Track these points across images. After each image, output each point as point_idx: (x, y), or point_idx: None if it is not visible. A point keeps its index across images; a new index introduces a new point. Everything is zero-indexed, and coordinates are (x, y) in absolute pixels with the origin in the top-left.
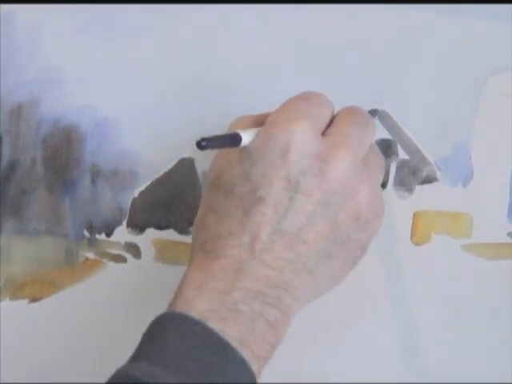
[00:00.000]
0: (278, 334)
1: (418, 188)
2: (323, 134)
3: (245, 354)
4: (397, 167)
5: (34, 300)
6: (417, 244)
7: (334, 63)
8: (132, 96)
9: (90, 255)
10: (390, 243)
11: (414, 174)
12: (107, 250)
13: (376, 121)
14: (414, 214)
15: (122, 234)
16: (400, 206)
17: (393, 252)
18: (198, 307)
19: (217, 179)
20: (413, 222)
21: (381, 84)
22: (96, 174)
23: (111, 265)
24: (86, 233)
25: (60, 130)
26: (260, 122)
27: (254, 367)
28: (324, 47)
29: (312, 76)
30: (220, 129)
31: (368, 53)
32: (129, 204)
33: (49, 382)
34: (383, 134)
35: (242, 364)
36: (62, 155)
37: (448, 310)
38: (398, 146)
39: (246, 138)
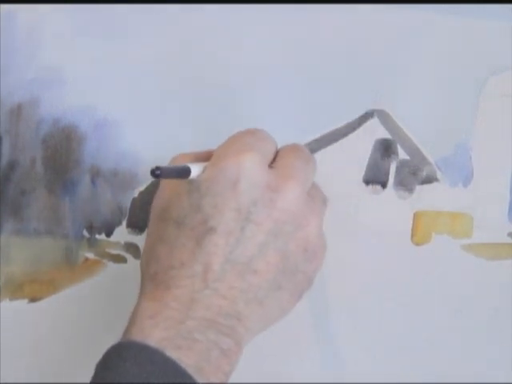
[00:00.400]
0: (231, 363)
1: (418, 188)
2: (269, 167)
3: (201, 382)
4: (397, 167)
5: (33, 300)
6: (417, 244)
7: (334, 63)
8: (132, 96)
9: (90, 255)
10: (390, 243)
11: (414, 174)
12: (107, 250)
13: (376, 121)
14: (414, 214)
15: (122, 233)
16: (400, 206)
17: (393, 252)
18: (155, 336)
19: (165, 211)
20: (413, 222)
21: (381, 84)
22: (96, 174)
23: (111, 265)
24: (85, 233)
25: (60, 130)
26: (202, 158)
27: None
28: (324, 47)
29: (312, 76)
30: (220, 129)
31: (368, 53)
32: (129, 204)
33: (49, 382)
34: (383, 134)
35: None
36: (62, 155)
37: (448, 310)
38: (398, 146)
39: (195, 170)
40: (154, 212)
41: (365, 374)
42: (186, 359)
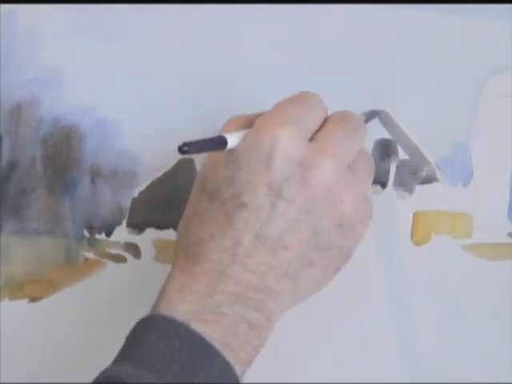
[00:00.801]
0: (261, 338)
1: (418, 188)
2: (312, 138)
3: (228, 356)
4: (397, 167)
5: (33, 300)
6: (417, 244)
7: (334, 63)
8: (132, 96)
9: (90, 255)
10: (390, 243)
11: (414, 174)
12: (107, 250)
13: (376, 121)
14: (414, 214)
15: (122, 233)
16: (400, 206)
17: (393, 252)
18: (181, 309)
19: (203, 182)
20: (413, 222)
21: (381, 84)
22: (96, 174)
23: (111, 265)
24: (85, 233)
25: (60, 129)
26: (252, 122)
27: (237, 369)
28: (324, 47)
29: (312, 76)
30: (219, 129)
31: (368, 53)
32: (129, 204)
33: (49, 382)
34: (383, 134)
35: (226, 366)
36: (62, 155)
37: (448, 310)
38: (398, 146)
39: (233, 140)
40: (195, 183)
41: (364, 374)
42: (211, 333)
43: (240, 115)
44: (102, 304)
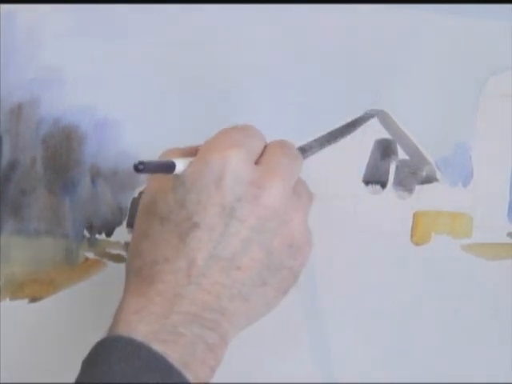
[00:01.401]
0: (217, 358)
1: (418, 188)
2: (256, 163)
3: (188, 376)
4: (397, 167)
5: (33, 300)
6: (417, 244)
7: (334, 63)
8: (132, 96)
9: (90, 255)
10: (390, 243)
11: (414, 174)
12: (107, 250)
13: (376, 121)
14: (414, 214)
15: (122, 233)
16: (400, 206)
17: (393, 252)
18: (140, 330)
19: (150, 206)
20: (413, 222)
21: (381, 84)
22: (96, 174)
23: (111, 265)
24: (85, 233)
25: (60, 130)
26: (190, 153)
27: None
28: (324, 47)
29: (312, 76)
30: (220, 128)
31: (368, 53)
32: (129, 204)
33: (49, 382)
34: (383, 134)
35: None
36: (62, 155)
37: (448, 310)
38: (398, 146)
39: (180, 165)
40: (140, 207)
41: (364, 374)
42: (171, 353)
43: (176, 147)
44: (102, 304)
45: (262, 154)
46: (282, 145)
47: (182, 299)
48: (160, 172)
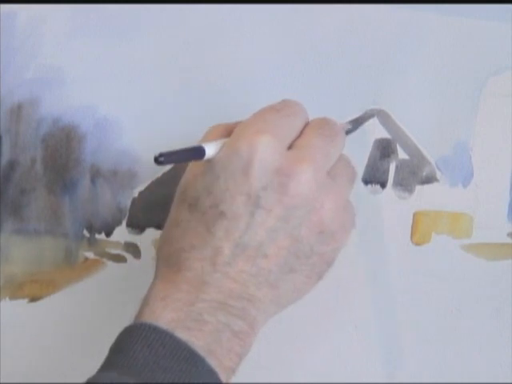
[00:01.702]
0: (245, 345)
1: (418, 188)
2: (291, 145)
3: (212, 363)
4: (397, 167)
5: (33, 300)
6: (417, 244)
7: (334, 63)
8: (132, 96)
9: (90, 255)
10: (390, 243)
11: (413, 174)
12: (107, 250)
13: (376, 121)
14: (414, 214)
15: (122, 233)
16: (400, 206)
17: (393, 252)
18: (165, 317)
19: (182, 193)
20: (413, 222)
21: (380, 84)
22: (96, 174)
23: (111, 265)
24: (85, 233)
25: (60, 129)
26: (232, 130)
27: (222, 377)
28: (324, 47)
29: (312, 76)
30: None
31: (368, 53)
32: (128, 204)
33: (49, 382)
34: (383, 133)
35: (211, 373)
36: (62, 155)
37: (448, 310)
38: (398, 146)
39: (211, 150)
40: (176, 195)
41: (364, 374)
42: (196, 340)
43: (220, 124)
44: (102, 304)
45: (300, 135)
46: (321, 124)
47: (209, 287)
48: (188, 160)
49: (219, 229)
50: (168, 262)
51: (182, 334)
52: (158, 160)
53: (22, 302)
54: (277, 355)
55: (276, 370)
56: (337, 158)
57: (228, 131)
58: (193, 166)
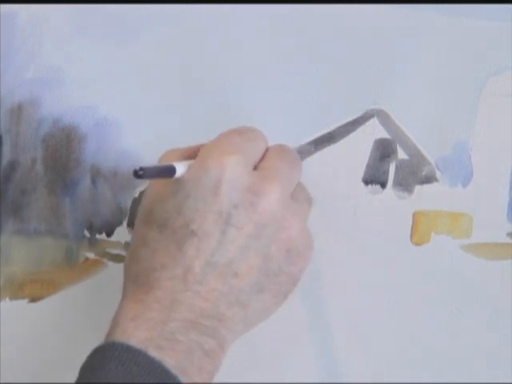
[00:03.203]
0: (215, 363)
1: (417, 188)
2: (255, 168)
3: (185, 382)
4: (397, 167)
5: (33, 300)
6: (417, 244)
7: (334, 63)
8: (132, 96)
9: (90, 255)
10: (390, 243)
11: (413, 174)
12: (107, 250)
13: (376, 121)
14: (414, 214)
15: (123, 233)
16: (400, 206)
17: (393, 252)
18: (137, 337)
19: (149, 214)
20: (413, 222)
21: (380, 84)
22: (96, 174)
23: (111, 265)
24: (86, 233)
25: (60, 129)
26: (190, 154)
27: None
28: (324, 47)
29: (312, 76)
30: (220, 128)
31: (368, 53)
32: (129, 204)
33: (49, 382)
34: (383, 133)
35: None
36: (62, 155)
37: (448, 310)
38: (398, 146)
39: (180, 169)
40: (139, 215)
41: (364, 373)
42: (168, 359)
43: (175, 149)
44: (102, 304)
45: (262, 158)
46: (281, 150)
47: (180, 306)
48: (160, 177)
49: (190, 247)
50: (137, 282)
51: (154, 353)
52: (138, 173)
53: (22, 302)
54: (277, 355)
55: (276, 370)
56: (297, 182)
57: (184, 155)
58: (157, 187)
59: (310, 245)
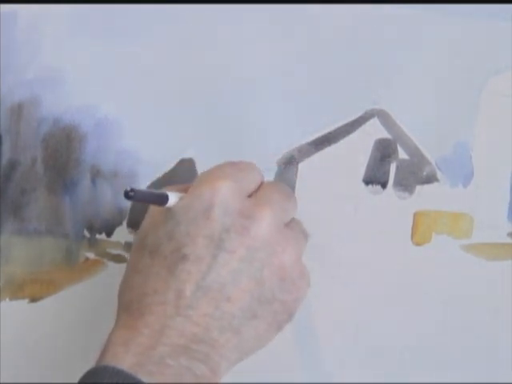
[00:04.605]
0: None
1: (418, 188)
2: (250, 196)
3: None
4: (397, 167)
5: (33, 300)
6: (417, 244)
7: (334, 63)
8: (132, 96)
9: (91, 255)
10: (390, 243)
11: (414, 174)
12: (107, 250)
13: (376, 121)
14: (415, 214)
15: (123, 233)
16: (400, 207)
17: (393, 252)
18: (127, 361)
19: (142, 241)
20: (413, 222)
21: (380, 84)
22: (96, 174)
23: (111, 265)
24: (86, 233)
25: (60, 129)
26: (185, 190)
27: None
28: (324, 47)
29: (312, 76)
30: (220, 128)
31: (368, 53)
32: (129, 204)
33: (49, 382)
34: (383, 133)
35: None
36: (62, 155)
37: (448, 310)
38: (398, 146)
39: (173, 199)
40: (133, 242)
41: (364, 373)
42: None
43: (172, 185)
44: (102, 304)
45: (257, 189)
46: (276, 183)
47: (170, 331)
48: (151, 202)
49: (182, 272)
50: (129, 309)
51: (144, 378)
52: (128, 194)
53: (23, 303)
54: (276, 356)
55: (275, 370)
56: (292, 216)
57: (180, 190)
58: (151, 216)
59: (305, 276)
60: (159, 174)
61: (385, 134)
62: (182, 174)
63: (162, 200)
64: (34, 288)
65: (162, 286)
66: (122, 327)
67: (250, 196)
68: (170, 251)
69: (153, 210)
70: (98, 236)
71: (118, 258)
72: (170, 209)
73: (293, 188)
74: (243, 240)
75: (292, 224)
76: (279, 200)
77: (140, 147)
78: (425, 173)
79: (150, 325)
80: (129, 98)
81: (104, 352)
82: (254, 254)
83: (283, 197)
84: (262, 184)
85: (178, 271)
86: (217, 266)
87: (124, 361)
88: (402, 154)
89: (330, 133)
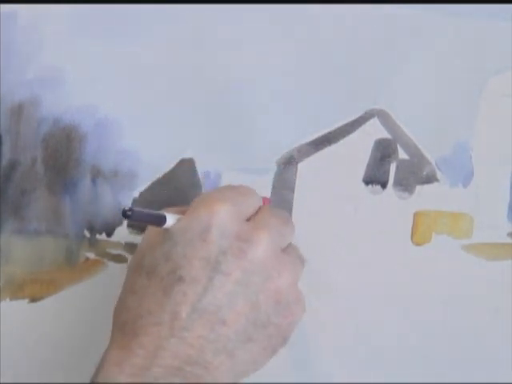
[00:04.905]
0: None
1: (418, 188)
2: (248, 219)
3: None
4: (397, 167)
5: (34, 300)
6: (417, 244)
7: (334, 63)
8: (132, 96)
9: (91, 255)
10: (390, 243)
11: (414, 174)
12: (108, 250)
13: (376, 121)
14: (415, 214)
15: (123, 234)
16: (400, 207)
17: (393, 252)
18: (121, 382)
19: (139, 262)
20: (413, 222)
21: (380, 84)
22: (96, 174)
23: (111, 265)
24: (86, 233)
25: (60, 129)
26: (183, 212)
27: None
28: (324, 47)
29: (312, 76)
30: (220, 128)
31: (368, 53)
32: (129, 204)
33: (49, 382)
34: (383, 133)
35: None
36: (63, 155)
37: (448, 310)
38: (398, 146)
39: (171, 220)
40: (129, 264)
41: (364, 373)
42: None
43: (170, 207)
44: (103, 304)
45: (255, 213)
46: (275, 209)
47: (165, 352)
48: (149, 223)
49: (177, 293)
50: (123, 330)
51: None
52: (126, 213)
53: (23, 303)
54: (276, 356)
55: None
56: (289, 241)
57: (178, 212)
58: (148, 238)
59: (300, 302)
60: (159, 174)
61: (385, 134)
62: (182, 174)
63: (160, 221)
64: (34, 288)
65: (158, 308)
66: (117, 347)
67: (248, 220)
68: (166, 272)
69: (150, 230)
70: (98, 236)
71: (118, 258)
72: (167, 230)
73: (292, 188)
74: (240, 263)
75: (289, 249)
76: (277, 225)
77: (140, 147)
78: (425, 173)
79: (144, 346)
80: (129, 98)
81: (97, 372)
82: (250, 277)
83: (281, 222)
84: (260, 208)
85: (174, 293)
86: (213, 288)
87: (118, 381)
88: (402, 154)
89: (329, 133)
